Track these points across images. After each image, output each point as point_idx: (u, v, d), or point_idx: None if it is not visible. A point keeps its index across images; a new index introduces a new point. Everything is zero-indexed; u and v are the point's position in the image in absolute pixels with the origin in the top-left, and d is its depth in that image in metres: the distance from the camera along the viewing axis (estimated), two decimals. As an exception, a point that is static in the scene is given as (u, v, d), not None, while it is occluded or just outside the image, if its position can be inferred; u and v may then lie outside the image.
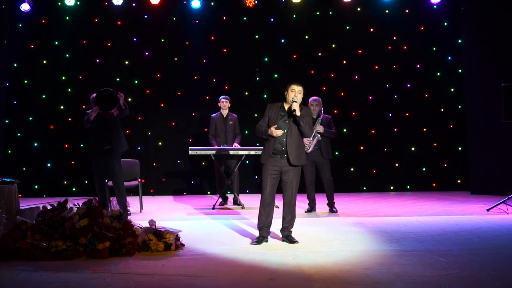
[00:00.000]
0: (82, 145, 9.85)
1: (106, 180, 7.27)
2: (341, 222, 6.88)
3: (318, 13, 10.22)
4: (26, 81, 9.92)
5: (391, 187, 10.21)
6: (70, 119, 9.93)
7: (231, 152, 8.19)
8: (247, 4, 9.79)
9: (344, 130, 10.01)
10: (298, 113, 5.40)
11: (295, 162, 5.53)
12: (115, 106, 6.96)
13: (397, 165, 10.20)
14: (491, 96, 9.06)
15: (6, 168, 9.30)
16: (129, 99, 10.01)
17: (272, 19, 10.21)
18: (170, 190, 10.12)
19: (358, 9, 10.18)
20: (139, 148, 9.95)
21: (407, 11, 10.17)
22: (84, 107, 9.87)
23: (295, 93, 5.49)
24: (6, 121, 9.83)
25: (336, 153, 9.79)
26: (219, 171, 8.47)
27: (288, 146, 5.51)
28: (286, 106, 5.59)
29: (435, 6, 10.05)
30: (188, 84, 10.10)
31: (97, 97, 6.92)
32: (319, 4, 10.21)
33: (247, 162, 9.16)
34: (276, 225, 5.79)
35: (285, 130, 5.52)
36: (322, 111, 7.61)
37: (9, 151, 9.80)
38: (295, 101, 5.44)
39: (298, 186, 5.66)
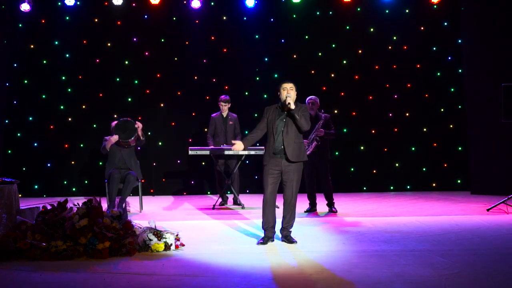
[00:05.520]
0: (82, 145, 9.86)
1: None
2: (341, 222, 6.88)
3: (318, 13, 10.21)
4: (26, 81, 9.91)
5: (391, 187, 10.20)
6: (70, 119, 9.92)
7: (231, 152, 8.18)
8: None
9: (344, 130, 10.00)
10: (292, 106, 5.48)
11: (293, 158, 5.56)
12: (134, 135, 7.55)
13: (397, 165, 10.19)
14: (491, 96, 9.05)
15: (6, 168, 9.30)
16: (129, 99, 10.05)
17: (272, 19, 10.20)
18: (170, 190, 10.11)
19: (358, 9, 10.17)
20: (139, 148, 9.92)
21: (407, 11, 10.15)
22: (84, 107, 9.91)
23: (287, 90, 5.59)
24: (6, 121, 9.83)
25: (336, 153, 9.81)
26: (219, 171, 8.47)
27: (285, 144, 5.57)
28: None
29: (435, 6, 10.04)
30: (188, 84, 10.09)
31: (117, 126, 7.52)
32: (319, 4, 10.19)
33: (247, 162, 9.15)
34: (277, 225, 5.79)
35: (282, 129, 5.59)
36: (322, 112, 7.56)
37: (9, 151, 9.79)
38: (289, 97, 5.53)
39: (298, 186, 5.69)
